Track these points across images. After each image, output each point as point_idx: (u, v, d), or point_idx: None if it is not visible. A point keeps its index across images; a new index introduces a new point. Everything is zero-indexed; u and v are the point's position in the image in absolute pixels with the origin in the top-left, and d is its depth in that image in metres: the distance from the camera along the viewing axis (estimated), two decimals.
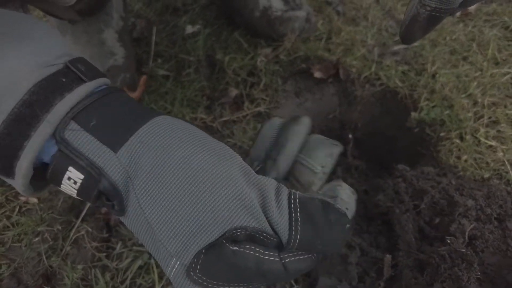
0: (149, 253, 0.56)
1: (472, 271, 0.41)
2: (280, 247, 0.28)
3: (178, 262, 0.26)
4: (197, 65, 0.81)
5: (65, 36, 0.79)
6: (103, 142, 0.27)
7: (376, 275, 0.50)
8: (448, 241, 0.45)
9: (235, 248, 0.26)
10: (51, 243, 0.58)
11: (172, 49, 0.85)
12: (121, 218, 0.29)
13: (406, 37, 0.37)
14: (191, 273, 0.26)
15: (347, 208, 0.30)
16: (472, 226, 0.46)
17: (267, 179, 0.29)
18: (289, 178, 0.40)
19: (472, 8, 0.96)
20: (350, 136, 0.77)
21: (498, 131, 0.68)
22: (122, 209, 0.28)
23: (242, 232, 0.26)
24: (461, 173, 0.62)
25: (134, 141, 0.27)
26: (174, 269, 0.26)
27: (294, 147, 0.39)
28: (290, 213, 0.27)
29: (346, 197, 0.31)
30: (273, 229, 0.27)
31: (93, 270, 0.55)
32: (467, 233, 0.46)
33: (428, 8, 0.32)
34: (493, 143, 0.66)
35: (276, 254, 0.27)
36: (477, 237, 0.46)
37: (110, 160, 0.27)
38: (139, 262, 0.55)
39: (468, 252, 0.42)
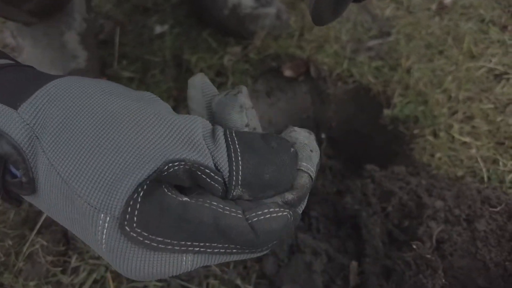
0: (105, 266, 0.53)
1: (437, 278, 0.39)
2: (224, 193, 0.24)
3: (108, 217, 0.20)
4: (163, 66, 0.77)
5: (25, 39, 0.76)
6: (1, 101, 0.24)
7: (342, 283, 0.47)
8: (414, 246, 0.42)
9: (185, 199, 0.21)
10: (2, 259, 0.55)
11: (139, 50, 0.82)
12: (31, 198, 0.25)
13: (316, 17, 0.34)
14: (126, 227, 0.20)
15: (311, 150, 0.27)
16: (439, 229, 0.44)
17: (197, 117, 0.26)
18: None
19: (448, 1, 0.94)
20: (323, 136, 0.75)
21: (473, 126, 0.66)
22: (31, 180, 0.23)
23: (181, 167, 0.21)
24: (435, 171, 0.59)
25: (40, 95, 0.24)
26: (105, 230, 0.21)
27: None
28: (228, 145, 0.24)
29: (305, 139, 0.28)
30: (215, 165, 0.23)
31: (46, 286, 0.52)
32: (434, 237, 0.44)
33: None
34: (467, 139, 0.64)
35: (239, 210, 0.22)
36: (445, 240, 0.44)
37: (8, 117, 0.23)
38: (95, 276, 0.51)
39: (433, 258, 0.40)
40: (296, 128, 0.29)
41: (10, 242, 0.55)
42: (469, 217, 0.45)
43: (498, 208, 0.45)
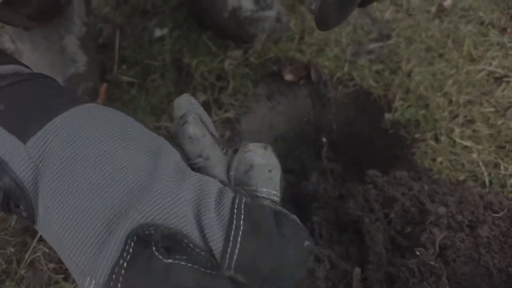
0: None
1: (441, 285, 0.39)
2: (212, 267, 0.21)
3: (93, 282, 0.21)
4: (163, 70, 0.77)
5: (24, 44, 0.75)
6: (10, 130, 0.23)
7: None
8: (418, 253, 0.42)
9: (169, 260, 0.21)
10: (4, 266, 0.54)
11: (139, 54, 0.82)
12: (35, 227, 0.25)
13: (320, 22, 0.33)
14: None
15: (270, 170, 0.25)
16: (442, 235, 0.44)
17: (210, 178, 0.24)
18: None
19: (448, 3, 0.94)
20: (324, 139, 0.75)
21: (474, 130, 0.66)
22: (31, 215, 0.23)
23: (158, 232, 0.21)
24: (436, 176, 0.59)
25: (49, 130, 0.23)
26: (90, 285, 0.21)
27: None
28: (230, 219, 0.21)
29: (261, 160, 0.25)
30: (204, 238, 0.21)
31: None
32: (437, 243, 0.44)
33: None
34: (469, 143, 0.64)
35: (220, 272, 0.21)
36: (448, 247, 0.44)
37: (16, 151, 0.23)
38: None
39: (437, 264, 0.40)
40: (250, 146, 0.27)
41: (12, 250, 0.55)
42: (471, 223, 0.45)
43: (501, 214, 0.45)
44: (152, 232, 0.21)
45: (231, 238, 0.21)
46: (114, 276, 0.20)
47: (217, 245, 0.21)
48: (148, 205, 0.21)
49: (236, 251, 0.21)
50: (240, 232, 0.21)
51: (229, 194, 0.23)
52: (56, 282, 0.53)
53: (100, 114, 0.25)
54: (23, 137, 0.23)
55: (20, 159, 0.23)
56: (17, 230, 0.57)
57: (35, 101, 0.25)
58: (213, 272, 0.21)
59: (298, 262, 0.22)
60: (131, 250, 0.20)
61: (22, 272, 0.54)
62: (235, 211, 0.22)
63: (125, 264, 0.20)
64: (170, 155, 0.25)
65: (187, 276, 0.20)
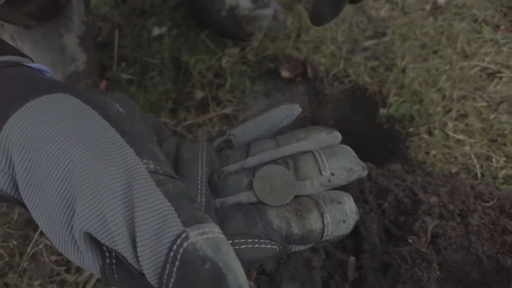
0: None
1: (432, 270, 0.40)
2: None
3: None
4: (161, 68, 0.78)
5: (24, 42, 0.76)
6: None
7: (341, 279, 0.49)
8: (410, 241, 0.43)
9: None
10: (7, 259, 0.55)
11: (137, 53, 0.83)
12: None
13: (314, 18, 0.34)
14: (108, 277, 0.23)
15: (344, 221, 0.28)
16: (434, 224, 0.45)
17: (164, 207, 0.21)
18: (288, 160, 0.32)
19: (442, 1, 0.95)
20: None
21: (467, 124, 0.67)
22: (27, 211, 0.25)
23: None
24: (430, 168, 0.61)
25: (4, 137, 0.23)
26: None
27: (302, 147, 0.32)
28: (165, 263, 0.19)
29: (349, 210, 0.28)
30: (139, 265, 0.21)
31: (51, 285, 0.53)
32: (429, 232, 0.45)
33: None
34: (461, 137, 0.65)
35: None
36: (439, 235, 0.45)
37: None
38: None
39: (428, 251, 0.41)
40: (351, 197, 0.29)
41: (15, 243, 0.56)
42: (462, 212, 0.46)
43: (491, 203, 0.47)
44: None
45: (164, 281, 0.20)
46: (107, 274, 0.23)
47: (151, 279, 0.20)
48: (80, 214, 0.21)
49: None
50: (172, 281, 0.19)
51: (171, 233, 0.20)
52: (58, 274, 0.55)
53: (50, 109, 0.24)
54: None
55: None
56: (19, 224, 0.58)
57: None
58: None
59: None
60: (113, 254, 0.22)
61: (25, 264, 0.55)
62: (171, 256, 0.19)
63: (114, 267, 0.23)
64: (119, 155, 0.23)
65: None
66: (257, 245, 0.25)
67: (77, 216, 0.21)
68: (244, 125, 0.35)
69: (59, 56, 0.76)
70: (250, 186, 0.31)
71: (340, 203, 0.28)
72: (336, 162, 0.30)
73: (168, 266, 0.19)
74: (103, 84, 0.75)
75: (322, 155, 0.31)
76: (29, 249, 0.56)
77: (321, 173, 0.30)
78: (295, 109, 0.35)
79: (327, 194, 0.30)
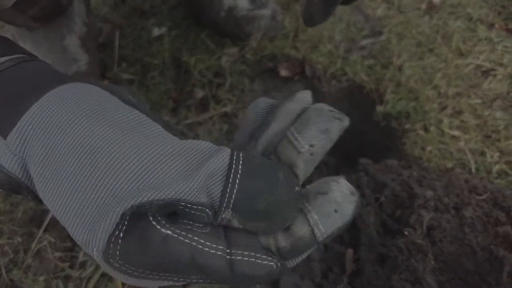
0: None
1: (427, 261, 0.41)
2: (210, 219, 0.23)
3: (95, 250, 0.22)
4: (162, 68, 0.80)
5: (26, 43, 0.77)
6: None
7: (339, 271, 0.50)
8: (406, 233, 0.45)
9: (168, 232, 0.22)
10: (11, 256, 0.57)
11: (138, 53, 0.84)
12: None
13: (307, 19, 0.35)
14: (110, 259, 0.22)
15: (335, 210, 0.24)
16: (429, 216, 0.46)
17: (204, 142, 0.24)
18: (271, 157, 0.30)
19: (437, 0, 0.97)
20: None
21: (462, 121, 0.69)
22: (35, 198, 0.25)
23: (153, 206, 0.21)
24: (426, 164, 0.62)
25: (24, 122, 0.24)
26: (95, 256, 0.23)
27: (280, 125, 0.29)
28: (230, 164, 0.23)
29: (339, 197, 0.25)
30: (206, 188, 0.22)
31: (55, 280, 0.54)
32: (425, 224, 0.46)
33: None
34: (456, 133, 0.66)
35: (220, 246, 0.22)
36: (435, 227, 0.46)
37: (0, 148, 0.24)
38: (102, 270, 0.54)
39: (424, 243, 0.42)
40: (341, 180, 0.26)
41: (19, 239, 0.57)
42: (457, 205, 0.48)
43: (484, 196, 0.48)
44: (147, 207, 0.21)
45: (230, 180, 0.22)
46: (111, 245, 0.21)
47: (217, 189, 0.22)
48: (130, 188, 0.22)
49: (235, 190, 0.22)
50: (239, 175, 0.22)
51: (226, 149, 0.24)
52: (62, 270, 0.56)
53: (72, 94, 0.25)
54: (4, 133, 0.24)
55: (4, 155, 0.24)
56: (24, 221, 0.59)
57: (12, 91, 0.25)
58: (212, 251, 0.22)
59: (289, 203, 0.23)
60: (125, 222, 0.22)
61: (29, 260, 0.56)
62: (234, 158, 0.23)
63: (121, 234, 0.21)
64: (151, 126, 0.25)
65: (183, 250, 0.22)
66: (253, 259, 0.23)
67: (139, 193, 0.21)
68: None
69: (61, 57, 0.77)
70: None
71: (325, 193, 0.25)
72: (309, 131, 0.27)
73: (233, 166, 0.23)
74: (104, 84, 0.76)
75: (294, 133, 0.28)
76: (33, 245, 0.57)
77: (300, 151, 0.26)
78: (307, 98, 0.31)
79: (311, 188, 0.27)
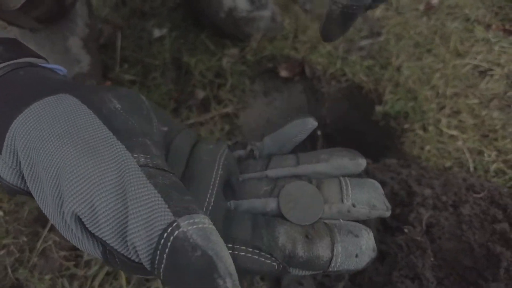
0: None
1: (426, 257, 0.42)
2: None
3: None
4: (163, 69, 0.80)
5: (29, 44, 0.77)
6: None
7: None
8: (405, 230, 0.46)
9: None
10: (17, 255, 0.57)
11: (139, 54, 0.85)
12: None
13: (325, 35, 0.37)
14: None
15: (357, 255, 0.26)
16: (428, 214, 0.47)
17: (153, 196, 0.22)
18: (311, 179, 0.32)
19: (435, 1, 0.98)
20: (319, 133, 0.78)
21: (459, 120, 0.70)
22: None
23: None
24: (424, 163, 0.63)
25: (10, 138, 0.25)
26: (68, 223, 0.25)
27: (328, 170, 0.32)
28: (156, 249, 0.20)
29: (365, 246, 0.27)
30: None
31: (61, 279, 0.55)
32: (424, 222, 0.47)
33: (340, 5, 0.32)
34: (455, 132, 0.67)
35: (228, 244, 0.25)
36: (433, 225, 0.47)
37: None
38: (107, 268, 0.54)
39: (423, 240, 0.43)
40: (371, 233, 0.28)
41: (25, 239, 0.58)
42: (455, 203, 0.49)
43: (482, 194, 0.49)
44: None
45: (156, 266, 0.21)
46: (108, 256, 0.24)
47: (146, 264, 0.21)
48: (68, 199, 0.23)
49: (161, 276, 0.21)
50: (162, 266, 0.20)
51: (166, 217, 0.21)
52: (68, 269, 0.56)
53: (48, 112, 0.26)
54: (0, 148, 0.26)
55: (2, 168, 0.26)
56: (29, 221, 0.60)
57: (4, 103, 0.27)
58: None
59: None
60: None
61: (35, 260, 0.57)
62: (162, 242, 0.20)
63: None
64: (109, 151, 0.25)
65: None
66: (256, 257, 0.24)
67: (67, 198, 0.22)
68: (262, 141, 0.36)
69: (64, 58, 0.77)
70: (268, 194, 0.31)
71: (356, 236, 0.27)
72: (361, 194, 0.29)
73: (158, 252, 0.20)
74: (107, 85, 0.77)
75: (348, 184, 0.30)
76: (38, 245, 0.58)
77: (342, 201, 0.29)
78: (309, 123, 0.35)
79: (345, 224, 0.29)
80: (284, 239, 0.26)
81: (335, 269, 0.27)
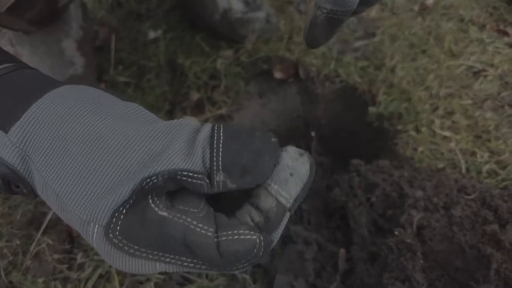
0: None
1: (416, 259, 0.42)
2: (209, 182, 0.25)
3: (96, 226, 0.24)
4: (158, 70, 0.81)
5: (23, 47, 0.78)
6: None
7: (333, 270, 0.51)
8: (396, 233, 0.46)
9: (164, 213, 0.24)
10: (10, 258, 0.57)
11: (134, 56, 0.85)
12: (38, 199, 0.29)
13: (310, 41, 0.36)
14: (110, 234, 0.24)
15: (291, 174, 0.26)
16: (419, 216, 0.47)
17: (192, 122, 0.27)
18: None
19: (430, 2, 0.98)
20: (313, 134, 0.78)
21: (453, 121, 0.70)
22: (30, 191, 0.27)
23: (159, 179, 0.24)
24: (417, 164, 0.63)
25: (27, 118, 0.26)
26: (94, 235, 0.24)
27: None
28: (212, 135, 0.25)
29: (290, 162, 0.26)
30: (198, 156, 0.25)
31: (54, 282, 0.55)
32: (415, 224, 0.47)
33: (324, 11, 0.31)
34: (448, 133, 0.68)
35: (211, 228, 0.24)
36: (424, 227, 0.47)
37: (2, 142, 0.26)
38: (100, 271, 0.55)
39: (413, 242, 0.44)
40: (288, 147, 0.27)
41: (18, 242, 0.58)
42: (446, 205, 0.49)
43: (473, 196, 0.49)
44: (154, 180, 0.24)
45: (215, 146, 0.25)
46: (114, 219, 0.24)
47: (206, 155, 0.25)
48: (144, 155, 0.25)
49: (220, 152, 0.25)
50: (221, 140, 0.25)
51: (207, 125, 0.27)
52: (61, 272, 0.57)
53: (73, 95, 0.27)
54: (6, 128, 0.26)
55: (5, 147, 0.26)
56: (22, 223, 0.60)
57: (11, 93, 0.28)
58: (203, 231, 0.24)
59: (268, 152, 0.26)
60: (131, 201, 0.24)
61: (28, 263, 0.57)
62: (215, 128, 0.26)
63: (124, 211, 0.24)
64: (146, 115, 0.28)
65: (176, 229, 0.24)
66: (237, 236, 0.24)
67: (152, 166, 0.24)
68: None
69: (58, 60, 0.78)
70: None
71: (277, 164, 0.26)
72: (290, 185, 0.27)
73: (215, 135, 0.26)
74: (102, 87, 0.77)
75: (274, 186, 0.27)
76: (32, 248, 0.58)
77: (278, 201, 0.27)
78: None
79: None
80: (243, 216, 0.27)
81: (291, 200, 0.26)
